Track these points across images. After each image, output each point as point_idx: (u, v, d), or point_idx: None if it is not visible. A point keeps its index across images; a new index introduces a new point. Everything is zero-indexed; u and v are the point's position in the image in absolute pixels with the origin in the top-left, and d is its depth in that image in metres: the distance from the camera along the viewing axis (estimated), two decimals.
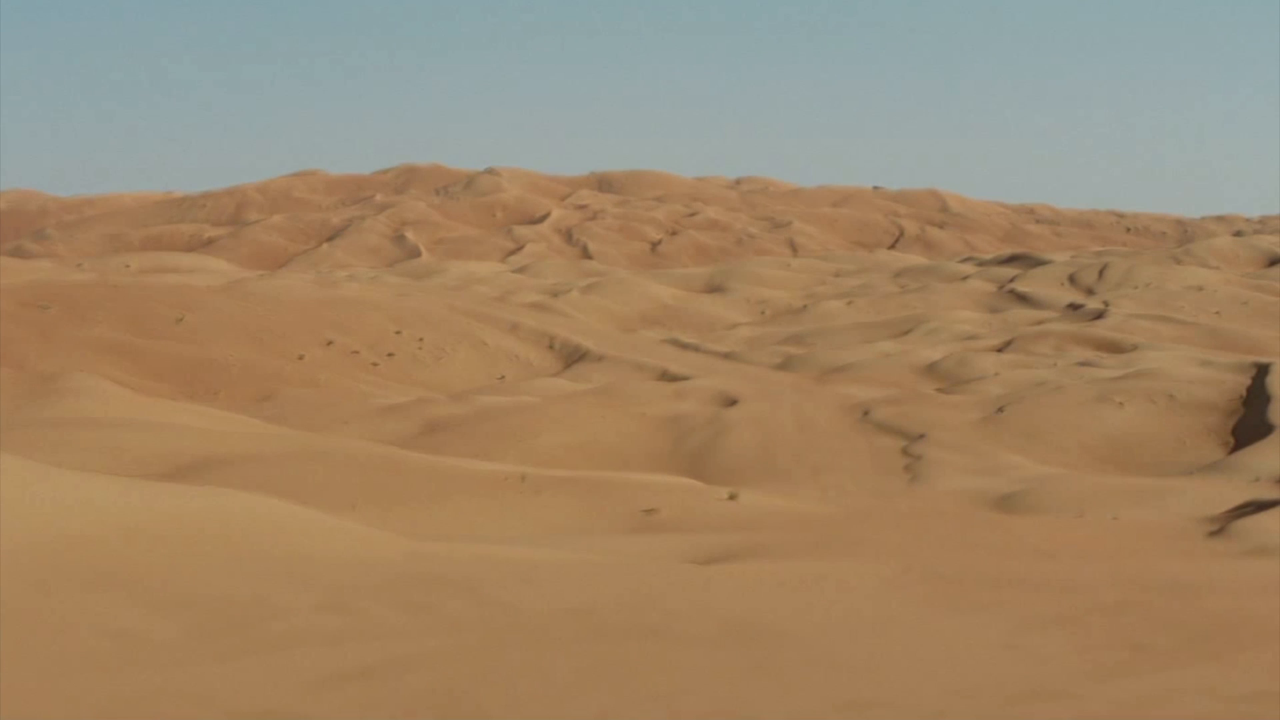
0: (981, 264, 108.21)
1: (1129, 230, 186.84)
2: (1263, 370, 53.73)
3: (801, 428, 47.39)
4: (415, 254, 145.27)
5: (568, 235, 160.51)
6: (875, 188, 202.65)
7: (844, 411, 50.43)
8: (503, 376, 66.61)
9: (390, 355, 67.00)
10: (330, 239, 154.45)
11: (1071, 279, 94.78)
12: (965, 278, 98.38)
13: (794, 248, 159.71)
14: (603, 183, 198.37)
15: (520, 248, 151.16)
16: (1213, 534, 25.53)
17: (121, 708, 10.74)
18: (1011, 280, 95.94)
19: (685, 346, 73.88)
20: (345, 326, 68.58)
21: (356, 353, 66.12)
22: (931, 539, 21.41)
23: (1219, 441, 47.40)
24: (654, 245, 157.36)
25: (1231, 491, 34.41)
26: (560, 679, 12.21)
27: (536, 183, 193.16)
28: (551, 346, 72.16)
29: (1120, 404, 50.29)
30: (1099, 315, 78.58)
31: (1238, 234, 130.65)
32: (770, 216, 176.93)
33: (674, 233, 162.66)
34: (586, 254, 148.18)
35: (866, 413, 50.08)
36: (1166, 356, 61.64)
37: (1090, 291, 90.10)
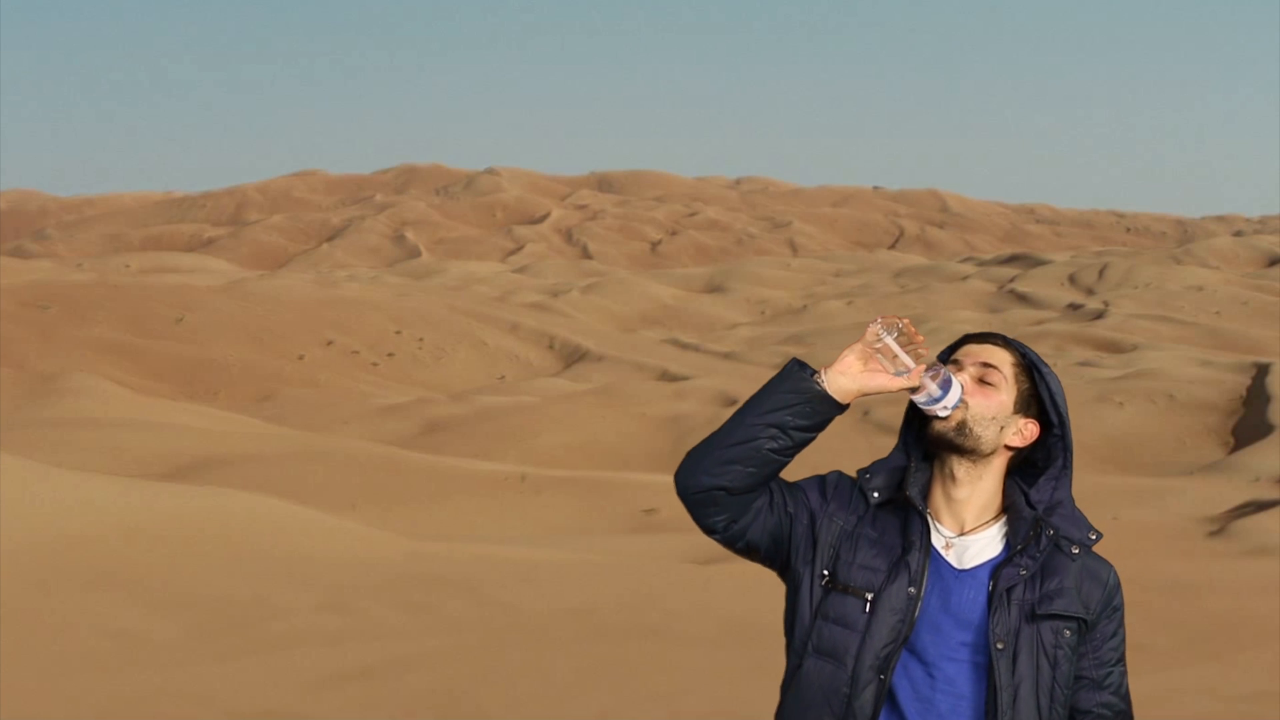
0: (981, 264, 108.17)
1: (1129, 230, 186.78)
2: (1263, 370, 53.69)
3: None
4: (415, 254, 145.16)
5: (568, 235, 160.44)
6: (875, 188, 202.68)
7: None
8: (503, 376, 66.58)
9: (390, 355, 66.98)
10: (330, 239, 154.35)
11: (1071, 279, 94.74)
12: (965, 278, 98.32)
13: (794, 248, 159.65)
14: (603, 183, 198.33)
15: (520, 248, 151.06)
16: (1213, 534, 25.52)
17: (121, 708, 10.73)
18: (1011, 280, 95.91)
19: (685, 346, 73.85)
20: (345, 326, 68.54)
21: (356, 353, 66.09)
22: None
23: (1219, 441, 47.38)
24: (654, 245, 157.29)
25: (1231, 491, 34.37)
26: (560, 679, 12.20)
27: (536, 183, 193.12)
28: (551, 346, 72.13)
29: (1120, 404, 50.27)
30: (1099, 315, 78.55)
31: (1238, 234, 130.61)
32: (770, 216, 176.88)
33: (674, 233, 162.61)
34: (586, 254, 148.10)
35: (866, 413, 50.06)
36: (1166, 356, 61.61)
37: (1090, 291, 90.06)
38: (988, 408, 3.08)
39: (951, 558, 3.07)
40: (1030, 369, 3.14)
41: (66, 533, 14.44)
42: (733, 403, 51.97)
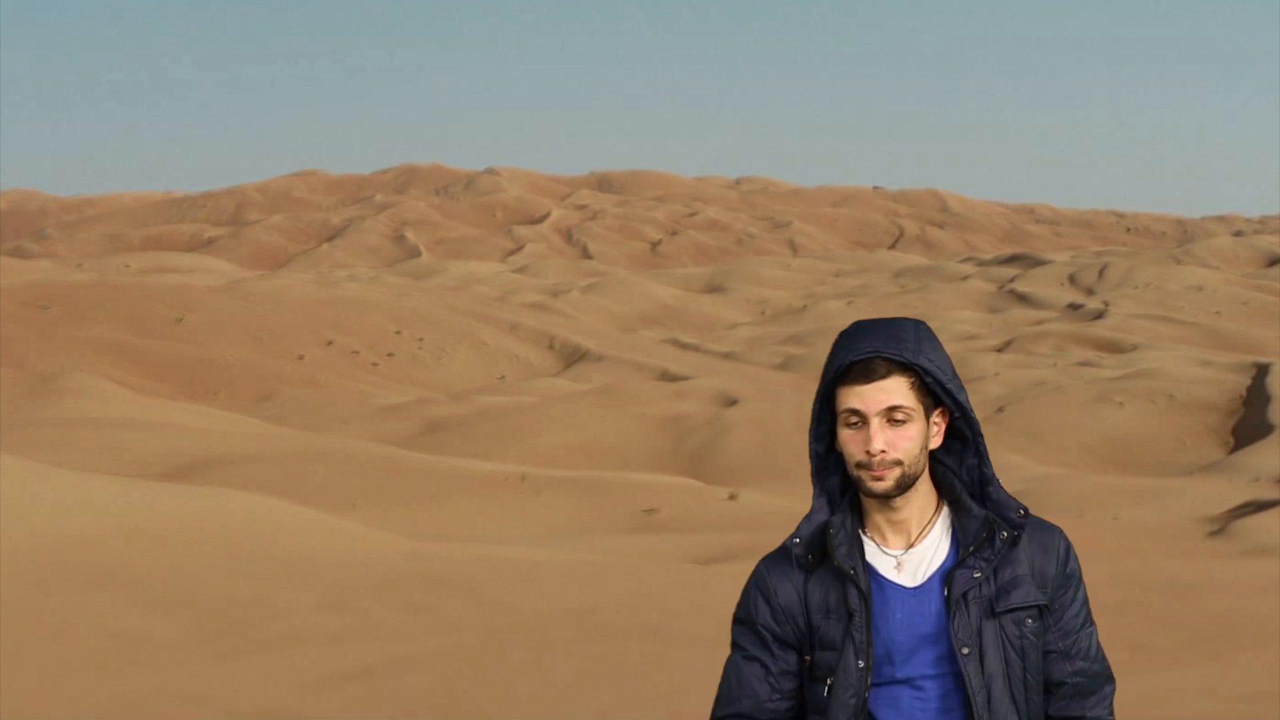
0: (981, 264, 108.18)
1: (1129, 230, 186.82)
2: (1263, 370, 53.70)
3: (801, 428, 47.36)
4: (415, 254, 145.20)
5: (568, 235, 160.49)
6: (875, 188, 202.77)
7: None
8: (503, 376, 66.58)
9: (390, 355, 66.99)
10: (330, 239, 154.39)
11: (1071, 279, 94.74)
12: (965, 278, 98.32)
13: (794, 248, 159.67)
14: (603, 183, 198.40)
15: (520, 248, 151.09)
16: (1213, 534, 25.53)
17: (121, 708, 10.73)
18: (1011, 280, 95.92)
19: (685, 346, 73.86)
20: (345, 326, 68.55)
21: (356, 353, 66.10)
22: None
23: (1219, 441, 47.39)
24: (654, 245, 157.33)
25: (1231, 491, 34.39)
26: (560, 679, 12.21)
27: (536, 183, 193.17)
28: (551, 346, 72.14)
29: (1120, 404, 50.28)
30: (1099, 315, 78.56)
31: (1238, 234, 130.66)
32: (770, 216, 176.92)
33: (674, 233, 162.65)
34: (586, 254, 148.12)
35: None
36: (1166, 356, 61.61)
37: (1090, 291, 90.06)
38: (913, 444, 2.97)
39: (905, 578, 3.02)
40: (916, 369, 2.98)
41: (66, 533, 14.45)
42: (732, 403, 51.96)
